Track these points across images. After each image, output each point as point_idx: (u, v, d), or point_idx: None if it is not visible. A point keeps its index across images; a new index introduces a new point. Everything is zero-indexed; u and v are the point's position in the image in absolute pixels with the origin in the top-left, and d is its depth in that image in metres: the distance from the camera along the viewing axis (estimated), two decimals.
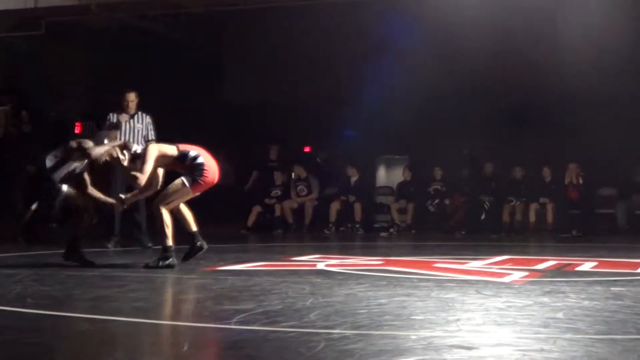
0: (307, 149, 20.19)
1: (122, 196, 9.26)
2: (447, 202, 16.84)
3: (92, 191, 9.18)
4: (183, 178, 8.60)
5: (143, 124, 11.68)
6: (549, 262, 9.14)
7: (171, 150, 8.75)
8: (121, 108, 11.69)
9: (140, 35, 20.11)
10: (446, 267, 8.72)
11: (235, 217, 17.36)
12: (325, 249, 11.54)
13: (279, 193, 17.18)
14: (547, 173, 16.55)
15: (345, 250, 11.70)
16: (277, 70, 20.50)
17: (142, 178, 8.49)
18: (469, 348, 4.29)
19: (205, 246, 8.80)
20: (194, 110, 20.33)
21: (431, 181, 17.24)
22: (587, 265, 8.75)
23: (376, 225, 17.06)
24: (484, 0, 15.57)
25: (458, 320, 5.12)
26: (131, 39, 20.31)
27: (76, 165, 8.84)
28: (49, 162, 8.80)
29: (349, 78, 19.36)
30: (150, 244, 11.31)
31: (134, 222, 11.49)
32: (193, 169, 8.61)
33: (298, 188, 17.21)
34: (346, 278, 7.55)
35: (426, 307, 5.65)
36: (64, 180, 8.89)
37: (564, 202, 16.03)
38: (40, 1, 16.09)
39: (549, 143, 17.52)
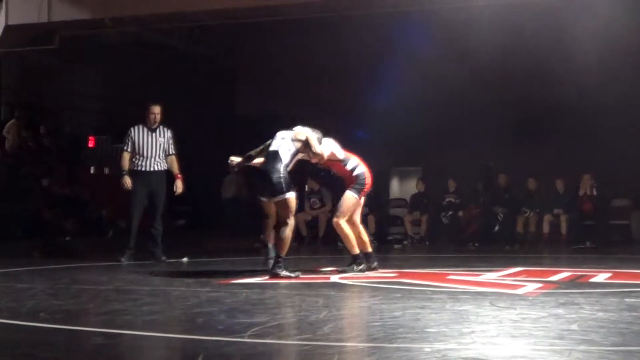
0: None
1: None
2: (460, 213, 16.81)
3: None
4: (351, 192, 9.37)
5: (165, 138, 11.65)
6: (563, 274, 9.10)
7: (340, 152, 9.45)
8: (143, 121, 11.62)
9: (154, 49, 20.18)
10: (460, 279, 8.70)
11: (249, 230, 17.36)
12: (339, 262, 11.52)
13: None
14: (560, 184, 16.51)
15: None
16: (291, 82, 20.54)
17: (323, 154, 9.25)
18: None
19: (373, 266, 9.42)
20: (209, 122, 20.39)
21: (445, 193, 17.21)
22: (602, 277, 8.71)
23: (390, 238, 17.03)
24: (500, 11, 15.56)
25: (472, 332, 5.10)
26: (145, 53, 20.39)
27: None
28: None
29: (363, 90, 19.38)
30: (164, 258, 11.32)
31: (150, 236, 11.49)
32: (355, 178, 9.39)
33: (311, 201, 17.21)
34: (360, 291, 7.54)
35: (440, 319, 5.64)
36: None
37: (577, 213, 15.98)
38: (54, 15, 16.16)
39: (563, 154, 17.50)
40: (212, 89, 21.25)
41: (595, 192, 16.04)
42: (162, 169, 11.61)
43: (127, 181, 11.37)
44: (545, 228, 16.27)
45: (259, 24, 17.54)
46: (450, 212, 16.93)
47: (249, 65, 22.02)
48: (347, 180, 9.57)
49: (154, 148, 11.54)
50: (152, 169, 11.49)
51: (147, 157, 11.46)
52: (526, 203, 16.56)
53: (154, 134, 11.58)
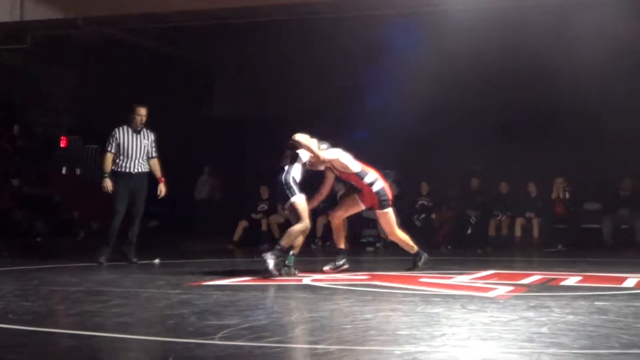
0: None
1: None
2: (433, 216, 16.84)
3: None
4: (382, 210, 9.68)
5: (148, 140, 11.57)
6: (534, 277, 9.15)
7: (354, 164, 9.64)
8: (127, 122, 11.52)
9: (128, 49, 20.08)
10: (432, 281, 8.71)
11: (222, 232, 17.35)
12: (311, 264, 11.52)
13: (266, 208, 17.16)
14: (532, 188, 16.59)
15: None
16: (266, 84, 20.52)
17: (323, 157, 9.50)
18: None
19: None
20: (184, 123, 20.33)
21: (418, 196, 17.24)
22: (572, 280, 8.76)
23: (363, 240, 17.02)
24: (487, 16, 15.58)
25: (443, 335, 5.11)
26: (119, 53, 20.28)
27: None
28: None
29: (338, 92, 19.40)
30: (135, 260, 11.26)
31: (126, 237, 11.41)
32: (377, 195, 9.62)
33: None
34: (332, 293, 7.54)
35: (411, 322, 5.64)
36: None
37: (549, 216, 16.06)
38: (26, 14, 16.03)
39: (535, 158, 17.58)
40: (187, 90, 21.20)
41: (567, 196, 16.14)
42: (145, 171, 11.54)
43: (108, 183, 11.30)
44: (517, 231, 16.35)
45: (235, 25, 17.49)
46: (423, 215, 16.96)
47: (225, 67, 21.99)
48: (365, 195, 9.77)
49: (138, 150, 11.45)
50: (135, 170, 11.42)
51: (130, 159, 11.38)
52: (498, 206, 16.63)
53: (138, 136, 11.49)
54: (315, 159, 9.51)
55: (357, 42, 18.57)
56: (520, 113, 18.45)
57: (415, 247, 9.95)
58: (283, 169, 9.32)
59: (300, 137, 9.51)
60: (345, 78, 19.28)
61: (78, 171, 23.14)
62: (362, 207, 9.99)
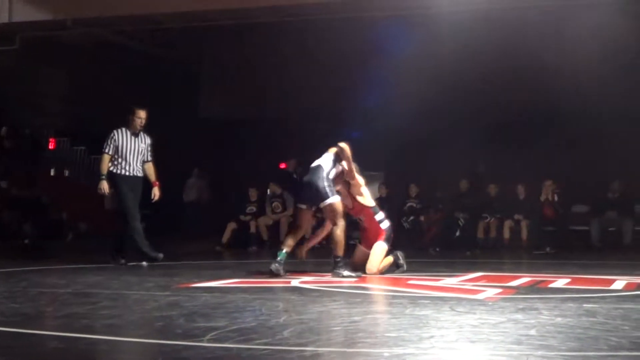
0: (282, 165, 20.18)
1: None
2: (421, 218, 16.86)
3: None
4: (382, 243, 9.78)
5: (145, 144, 11.53)
6: (523, 279, 9.15)
7: (371, 199, 10.07)
8: (126, 124, 11.45)
9: (117, 51, 20.05)
10: (420, 284, 8.71)
11: (210, 234, 17.33)
12: (300, 266, 11.51)
13: (254, 209, 17.14)
14: (521, 190, 16.63)
15: (320, 267, 11.67)
16: (257, 85, 20.51)
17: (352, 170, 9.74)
18: None
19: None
20: (171, 125, 20.30)
21: (407, 198, 17.25)
22: (561, 282, 8.76)
23: (351, 242, 17.00)
24: (478, 16, 15.61)
25: (431, 337, 5.11)
26: (107, 54, 20.24)
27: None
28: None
29: (333, 93, 19.41)
30: (123, 261, 11.24)
31: (130, 239, 11.40)
32: (384, 231, 9.85)
33: (273, 204, 17.18)
34: (320, 295, 7.53)
35: (400, 324, 5.64)
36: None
37: (538, 218, 16.10)
38: (15, 16, 15.97)
39: (524, 160, 17.63)
40: (175, 91, 21.18)
41: (556, 198, 16.18)
42: (140, 175, 11.50)
43: (105, 185, 11.26)
44: (506, 233, 16.39)
45: (223, 27, 17.48)
46: (411, 217, 16.97)
47: (212, 68, 21.97)
48: (370, 231, 9.91)
49: (136, 153, 11.40)
50: (134, 174, 11.39)
51: (127, 162, 11.34)
52: (487, 208, 16.66)
53: (136, 139, 11.44)
54: (348, 174, 9.70)
55: (353, 43, 18.60)
56: (509, 116, 18.50)
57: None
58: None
59: (346, 147, 9.66)
60: (341, 79, 19.31)
61: (66, 173, 23.10)
62: (367, 252, 9.91)
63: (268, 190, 17.52)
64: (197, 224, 19.58)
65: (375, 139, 18.60)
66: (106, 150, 11.33)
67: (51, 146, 23.17)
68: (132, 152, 11.36)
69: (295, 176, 18.63)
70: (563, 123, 18.12)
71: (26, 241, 17.53)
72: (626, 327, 5.40)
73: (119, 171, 11.30)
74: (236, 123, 20.76)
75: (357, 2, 15.18)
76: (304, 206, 9.66)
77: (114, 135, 11.36)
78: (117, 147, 11.31)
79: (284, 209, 17.08)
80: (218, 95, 21.64)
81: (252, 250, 16.23)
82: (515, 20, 16.33)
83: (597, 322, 5.67)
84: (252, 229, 16.82)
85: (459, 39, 16.45)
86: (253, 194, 17.36)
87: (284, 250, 9.49)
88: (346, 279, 8.98)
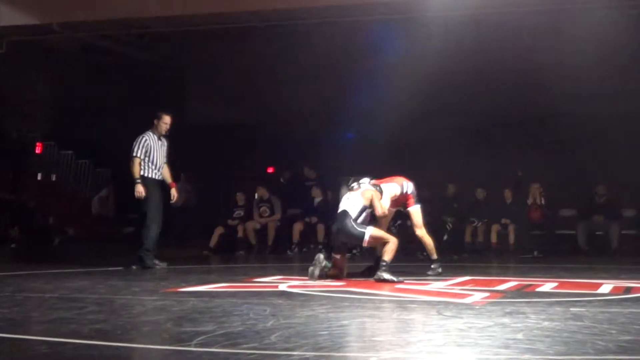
0: (270, 170, 20.19)
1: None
2: (409, 223, 16.83)
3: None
4: (415, 206, 10.66)
5: (166, 147, 11.80)
6: (510, 283, 9.18)
7: (397, 188, 10.48)
8: (152, 128, 11.69)
9: (103, 55, 19.99)
10: (408, 288, 8.73)
11: (198, 238, 17.31)
12: (287, 270, 11.52)
13: (242, 214, 17.13)
14: (508, 194, 16.67)
15: (307, 271, 11.67)
16: (243, 90, 20.49)
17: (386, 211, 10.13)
18: None
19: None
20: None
21: None
22: (548, 286, 8.79)
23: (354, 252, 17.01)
24: (451, 23, 15.62)
25: (419, 341, 5.11)
26: (94, 59, 20.18)
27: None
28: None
29: (314, 97, 19.41)
30: (157, 262, 11.52)
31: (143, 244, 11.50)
32: (412, 195, 10.63)
33: (261, 209, 17.17)
34: (308, 299, 7.52)
35: (387, 328, 5.65)
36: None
37: (525, 223, 16.13)
38: (1, 20, 15.91)
39: (511, 164, 17.66)
40: (162, 96, 21.12)
41: (543, 201, 16.21)
42: (161, 178, 11.71)
43: (141, 189, 11.37)
44: (493, 237, 16.42)
45: (210, 31, 17.44)
46: (399, 222, 16.96)
47: (199, 73, 21.93)
48: (399, 200, 10.52)
49: (162, 156, 11.65)
50: (159, 177, 11.64)
51: (157, 165, 11.50)
52: (474, 212, 16.69)
53: (161, 143, 11.66)
54: (380, 214, 10.01)
55: (338, 48, 18.56)
56: (497, 119, 18.51)
57: (435, 255, 10.76)
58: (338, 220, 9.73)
59: (369, 190, 9.97)
60: (327, 83, 19.31)
61: (53, 177, 23.04)
62: (392, 210, 10.66)
63: (256, 195, 17.51)
64: (184, 229, 19.54)
65: (362, 141, 18.61)
66: (137, 154, 11.45)
67: (38, 150, 23.11)
68: (160, 156, 11.60)
69: (282, 180, 18.66)
70: (550, 126, 18.16)
71: (13, 245, 17.48)
72: (613, 331, 5.41)
73: (150, 175, 11.43)
74: (224, 128, 20.73)
75: (341, 7, 15.17)
76: (337, 256, 9.85)
77: (145, 139, 11.54)
78: (147, 152, 11.43)
79: (272, 213, 17.08)
80: (205, 100, 21.60)
81: (239, 255, 16.23)
82: (505, 24, 16.34)
83: (584, 325, 5.68)
84: (240, 234, 16.82)
85: (447, 42, 16.44)
86: (240, 198, 17.35)
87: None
88: (387, 281, 9.19)
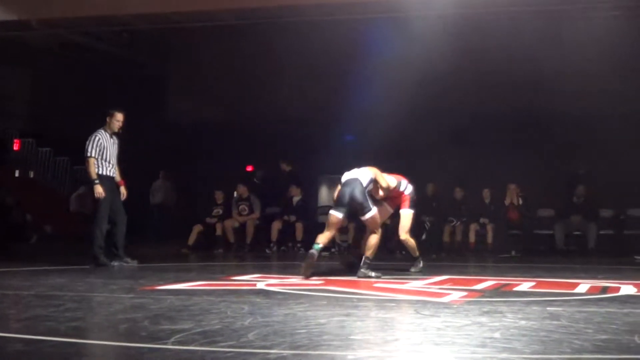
0: (249, 168, 20.16)
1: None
2: (388, 222, 16.85)
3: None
4: (408, 209, 10.69)
5: (117, 145, 11.75)
6: (488, 282, 9.21)
7: (393, 180, 10.52)
8: (104, 126, 11.63)
9: (83, 52, 19.92)
10: (386, 286, 8.74)
11: (176, 236, 17.27)
12: (266, 269, 11.51)
13: (220, 212, 17.10)
14: (486, 194, 16.73)
15: (286, 269, 11.67)
16: (221, 89, 20.46)
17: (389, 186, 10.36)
18: None
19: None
20: (136, 128, 20.19)
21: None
22: (525, 286, 8.83)
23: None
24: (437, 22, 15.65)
25: (396, 340, 5.12)
26: (74, 56, 20.11)
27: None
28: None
29: (293, 96, 19.41)
30: (129, 259, 11.54)
31: (113, 242, 11.51)
32: (409, 196, 10.68)
33: (240, 207, 17.15)
34: (286, 298, 7.52)
35: (365, 326, 5.65)
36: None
37: (503, 222, 16.20)
38: None
39: (489, 164, 17.72)
40: (142, 94, 21.07)
41: (521, 202, 16.28)
42: (115, 175, 11.62)
43: (100, 189, 11.33)
44: (472, 237, 16.47)
45: (190, 29, 17.41)
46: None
47: (180, 71, 21.89)
48: (394, 200, 10.66)
49: (114, 155, 11.60)
50: (112, 174, 11.57)
51: (111, 163, 11.45)
52: (453, 212, 16.74)
53: (113, 141, 11.61)
54: (382, 189, 10.27)
55: (325, 47, 18.59)
56: (475, 119, 18.57)
57: (417, 254, 11.03)
58: (349, 184, 9.76)
59: (373, 170, 10.20)
60: (312, 82, 19.31)
61: (31, 174, 22.93)
62: (391, 210, 10.80)
63: (235, 193, 17.49)
64: (163, 227, 19.50)
65: (348, 141, 18.63)
66: (92, 154, 11.43)
67: (16, 147, 23.00)
68: (112, 154, 11.55)
69: (256, 180, 18.65)
70: (530, 127, 18.23)
71: None
72: (589, 330, 5.44)
73: (104, 172, 11.39)
74: (203, 126, 20.70)
75: (329, 5, 15.18)
76: (340, 215, 9.81)
77: (98, 138, 11.50)
78: (100, 150, 11.36)
79: (251, 211, 17.06)
80: (185, 98, 21.56)
81: (218, 253, 16.21)
82: (491, 25, 16.43)
83: (560, 325, 5.71)
84: (218, 232, 16.80)
85: (434, 43, 16.50)
86: (219, 196, 17.33)
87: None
88: (373, 278, 9.51)
